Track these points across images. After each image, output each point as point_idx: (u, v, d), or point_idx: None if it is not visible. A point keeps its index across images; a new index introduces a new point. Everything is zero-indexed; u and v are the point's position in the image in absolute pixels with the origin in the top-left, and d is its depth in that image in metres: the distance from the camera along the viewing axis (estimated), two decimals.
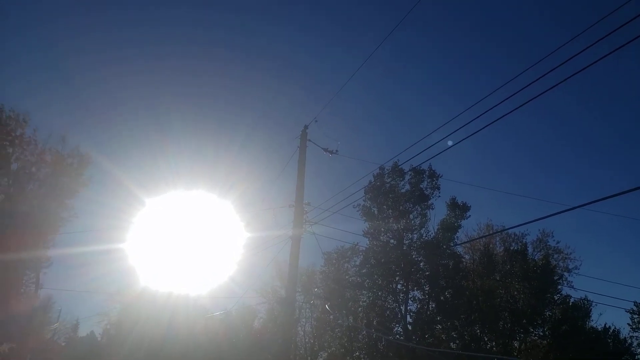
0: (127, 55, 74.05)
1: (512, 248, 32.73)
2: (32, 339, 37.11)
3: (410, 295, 31.11)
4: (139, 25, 75.28)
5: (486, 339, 31.56)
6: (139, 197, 34.19)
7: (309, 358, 38.73)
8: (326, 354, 37.38)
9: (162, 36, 75.29)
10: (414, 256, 31.18)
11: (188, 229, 30.94)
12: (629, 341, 34.83)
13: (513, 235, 33.04)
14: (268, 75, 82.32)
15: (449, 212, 31.71)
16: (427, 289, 30.84)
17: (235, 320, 41.63)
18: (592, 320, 33.80)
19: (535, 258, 32.46)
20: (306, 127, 17.53)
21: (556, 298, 32.30)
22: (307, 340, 40.11)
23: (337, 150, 17.62)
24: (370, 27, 75.26)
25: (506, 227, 32.90)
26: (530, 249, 32.71)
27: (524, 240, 32.64)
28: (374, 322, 31.07)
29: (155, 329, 37.28)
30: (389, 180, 31.64)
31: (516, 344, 32.55)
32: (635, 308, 34.89)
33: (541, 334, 32.52)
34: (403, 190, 31.64)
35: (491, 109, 8.84)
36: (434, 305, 30.73)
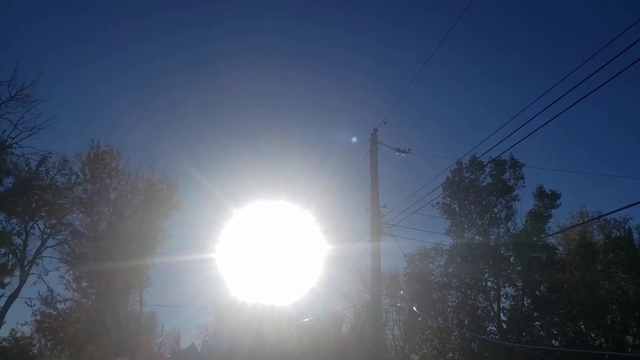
0: (211, 71, 77.73)
1: (613, 235, 30.13)
2: (142, 352, 40.31)
3: (502, 292, 29.72)
4: (222, 39, 79.08)
5: (593, 335, 29.21)
6: (227, 209, 36.29)
7: None
8: (418, 356, 36.67)
9: (246, 49, 78.47)
10: (502, 251, 29.76)
11: (272, 238, 32.33)
12: None
13: (613, 222, 30.51)
14: (339, 80, 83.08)
15: (536, 202, 29.88)
16: (519, 284, 29.27)
17: (323, 327, 42.23)
18: None
19: None
20: (375, 130, 17.52)
21: None
22: (396, 343, 39.64)
23: (409, 149, 17.45)
24: (431, 27, 73.72)
25: (604, 213, 30.40)
26: (635, 235, 29.91)
27: (627, 226, 29.95)
28: (465, 322, 30.01)
29: (246, 338, 38.86)
30: (467, 174, 30.60)
31: (629, 339, 29.78)
32: None
33: None
34: (484, 184, 30.44)
35: (581, 82, 8.10)
36: (529, 301, 29.06)
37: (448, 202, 30.68)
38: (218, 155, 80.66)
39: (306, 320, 39.75)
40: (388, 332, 39.04)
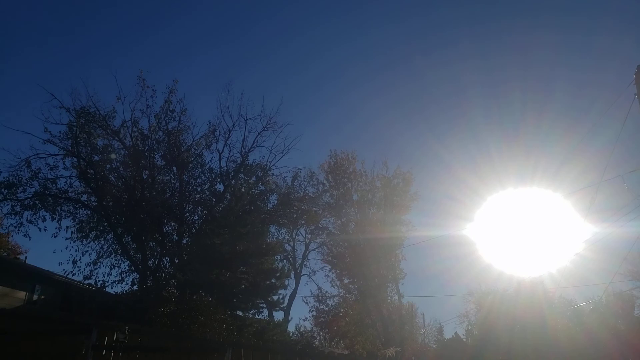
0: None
1: None
2: (409, 343, 41.49)
3: None
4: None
5: None
6: (479, 194, 34.65)
7: None
8: None
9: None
10: None
11: (528, 224, 29.25)
12: None
13: None
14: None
15: None
16: None
17: (607, 312, 35.81)
18: None
19: None
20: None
21: None
22: None
23: None
24: None
25: None
26: None
27: None
28: None
29: (514, 327, 35.70)
30: None
31: None
32: None
33: None
34: None
35: None
36: None
37: None
38: (450, 144, 77.89)
39: (585, 303, 34.44)
40: None
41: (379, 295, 36.68)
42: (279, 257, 29.64)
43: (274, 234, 31.17)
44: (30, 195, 21.19)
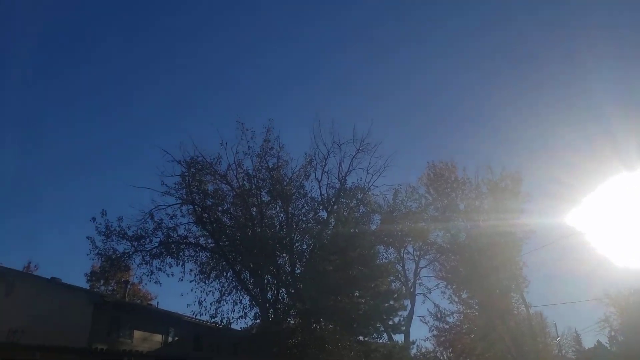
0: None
1: None
2: (543, 355, 38.03)
3: None
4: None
5: None
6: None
7: None
8: None
9: None
10: None
11: None
12: None
13: None
14: None
15: None
16: None
17: None
18: None
19: None
20: None
21: None
22: None
23: None
24: None
25: None
26: None
27: None
28: None
29: None
30: None
31: None
32: None
33: None
34: None
35: None
36: None
37: None
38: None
39: None
40: None
41: (503, 307, 34.21)
42: (391, 277, 28.98)
43: (382, 255, 30.67)
44: (156, 245, 23.01)
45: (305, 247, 25.93)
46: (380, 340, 25.88)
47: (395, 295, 24.08)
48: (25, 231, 65.94)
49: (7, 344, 15.48)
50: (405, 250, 35.91)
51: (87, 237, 21.95)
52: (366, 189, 26.15)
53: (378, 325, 23.62)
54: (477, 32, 79.33)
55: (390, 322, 24.73)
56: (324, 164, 25.72)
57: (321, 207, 26.14)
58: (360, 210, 27.29)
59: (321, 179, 25.90)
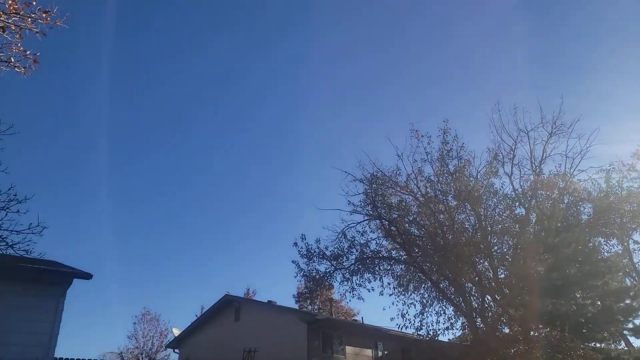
0: None
1: None
2: None
3: None
4: None
5: None
6: None
7: None
8: None
9: None
10: None
11: None
12: None
13: None
14: None
15: None
16: None
17: None
18: None
19: None
20: None
21: None
22: None
23: None
24: None
25: None
26: None
27: None
28: None
29: None
30: None
31: None
32: None
33: None
34: None
35: None
36: None
37: None
38: None
39: None
40: None
41: None
42: (620, 274, 24.43)
43: (603, 247, 26.17)
44: (352, 262, 23.83)
45: (505, 249, 24.02)
46: (616, 346, 22.09)
47: (632, 293, 20.20)
48: (245, 259, 73.96)
49: None
50: (632, 240, 30.12)
51: (293, 261, 23.93)
52: (568, 175, 23.23)
53: (613, 329, 20.07)
54: None
55: (630, 325, 20.81)
56: (511, 156, 23.94)
57: (516, 204, 24.09)
58: (565, 201, 24.32)
59: (512, 173, 24.06)
